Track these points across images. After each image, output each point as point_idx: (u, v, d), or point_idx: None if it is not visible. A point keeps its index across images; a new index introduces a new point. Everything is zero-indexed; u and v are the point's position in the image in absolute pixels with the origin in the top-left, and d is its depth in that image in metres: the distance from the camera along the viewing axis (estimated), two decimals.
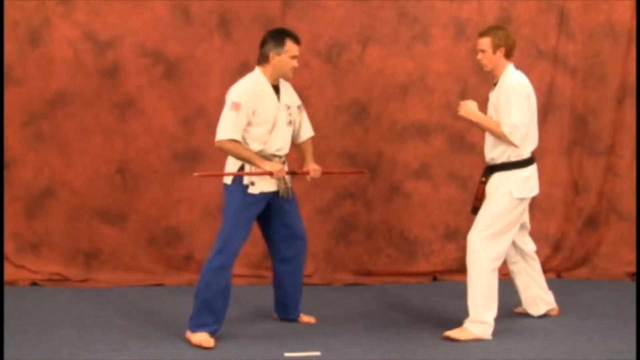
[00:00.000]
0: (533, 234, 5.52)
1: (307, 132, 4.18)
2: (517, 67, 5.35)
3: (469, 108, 3.99)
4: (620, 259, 5.52)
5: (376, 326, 4.28)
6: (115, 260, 5.17)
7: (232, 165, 3.92)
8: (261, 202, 3.95)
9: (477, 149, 5.38)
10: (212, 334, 3.84)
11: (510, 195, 4.01)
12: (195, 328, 3.85)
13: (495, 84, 4.08)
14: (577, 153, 5.54)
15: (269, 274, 5.24)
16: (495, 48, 3.98)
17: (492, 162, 4.07)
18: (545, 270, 5.49)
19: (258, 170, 3.81)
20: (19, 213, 5.08)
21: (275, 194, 3.98)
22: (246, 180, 3.87)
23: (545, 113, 5.45)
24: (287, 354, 3.76)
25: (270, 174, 3.82)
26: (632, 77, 5.43)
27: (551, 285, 5.30)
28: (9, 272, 4.98)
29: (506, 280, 5.39)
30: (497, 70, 4.05)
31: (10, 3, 4.90)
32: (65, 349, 3.78)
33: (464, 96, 5.33)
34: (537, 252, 5.53)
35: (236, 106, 3.75)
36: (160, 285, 5.11)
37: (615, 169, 5.56)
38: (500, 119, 3.93)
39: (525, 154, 4.04)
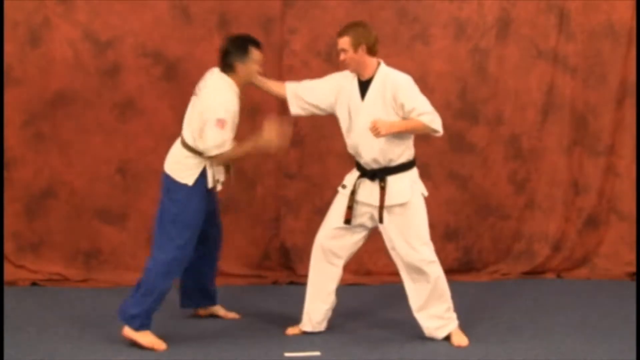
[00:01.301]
0: (533, 234, 5.56)
1: None
2: (517, 67, 5.40)
3: (384, 124, 3.72)
4: (620, 259, 5.53)
5: (376, 326, 4.28)
6: (115, 260, 5.17)
7: (187, 166, 3.84)
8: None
9: (477, 149, 5.40)
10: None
11: (422, 196, 3.96)
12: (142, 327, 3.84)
13: (366, 83, 3.87)
14: (577, 153, 5.54)
15: (269, 274, 5.28)
16: (356, 46, 3.83)
17: (388, 164, 3.86)
18: (545, 271, 5.54)
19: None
20: (19, 213, 5.08)
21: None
22: (211, 182, 3.85)
23: (545, 113, 5.45)
24: (287, 354, 3.76)
25: (266, 147, 3.83)
26: (632, 77, 5.43)
27: (551, 285, 5.33)
28: (9, 272, 4.98)
29: (505, 281, 5.41)
30: (365, 70, 3.87)
31: (10, 3, 4.90)
32: (65, 349, 3.78)
33: (464, 96, 5.34)
34: (538, 252, 5.57)
35: (222, 123, 3.72)
36: None
37: (615, 169, 5.56)
38: (414, 112, 3.76)
39: (413, 152, 3.93)
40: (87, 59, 5.04)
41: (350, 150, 3.98)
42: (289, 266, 5.34)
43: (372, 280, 5.24)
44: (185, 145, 3.85)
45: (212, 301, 4.35)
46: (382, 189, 3.83)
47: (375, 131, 3.70)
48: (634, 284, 5.24)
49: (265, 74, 5.15)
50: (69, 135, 5.08)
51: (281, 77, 5.19)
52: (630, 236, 5.48)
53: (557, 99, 5.44)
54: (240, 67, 3.83)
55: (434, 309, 3.92)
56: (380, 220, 3.88)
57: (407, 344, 3.93)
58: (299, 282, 5.21)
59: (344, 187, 4.02)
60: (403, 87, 3.80)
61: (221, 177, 3.95)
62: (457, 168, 5.39)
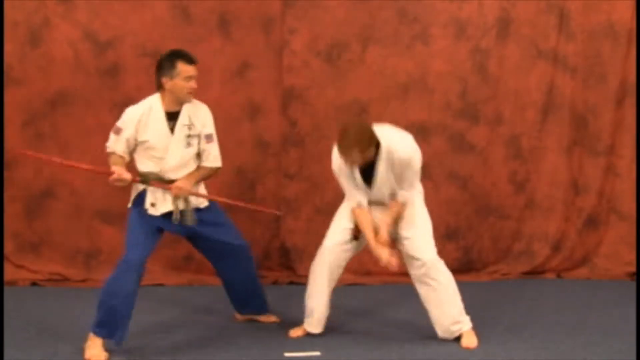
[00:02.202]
0: (533, 234, 5.56)
1: (211, 164, 3.94)
2: (517, 67, 5.40)
3: (383, 244, 3.85)
4: (620, 259, 5.53)
5: (376, 326, 4.28)
6: (115, 260, 5.11)
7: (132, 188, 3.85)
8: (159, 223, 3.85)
9: (477, 149, 5.40)
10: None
11: (423, 201, 4.01)
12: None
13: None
14: (577, 153, 5.54)
15: (269, 274, 5.28)
16: (365, 151, 3.66)
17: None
18: (545, 271, 5.54)
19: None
20: (19, 213, 5.09)
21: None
22: (147, 204, 3.79)
23: (545, 113, 5.45)
24: (287, 354, 3.76)
25: (112, 173, 3.73)
26: (632, 77, 5.43)
27: (551, 285, 5.33)
28: (9, 272, 4.98)
29: (505, 280, 5.41)
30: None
31: (10, 3, 4.90)
32: (65, 349, 3.78)
33: (464, 96, 5.34)
34: (538, 252, 5.57)
35: (117, 130, 3.80)
36: (160, 285, 5.10)
37: (615, 169, 5.56)
38: (398, 186, 3.86)
39: None
40: (87, 59, 5.04)
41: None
42: (289, 266, 5.34)
43: (372, 280, 5.24)
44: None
45: (256, 310, 4.32)
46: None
47: (387, 260, 3.82)
48: (634, 284, 5.24)
49: (264, 74, 5.19)
50: (69, 135, 5.09)
51: (281, 77, 5.21)
52: (630, 236, 5.48)
53: (557, 99, 5.44)
54: (168, 83, 3.69)
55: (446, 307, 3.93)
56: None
57: (407, 344, 3.93)
58: (299, 282, 5.21)
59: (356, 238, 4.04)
60: (408, 158, 3.76)
61: (161, 204, 3.81)
62: (457, 168, 5.39)
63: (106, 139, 5.07)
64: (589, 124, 5.51)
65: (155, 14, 5.06)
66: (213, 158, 3.92)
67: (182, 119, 3.78)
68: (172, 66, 3.68)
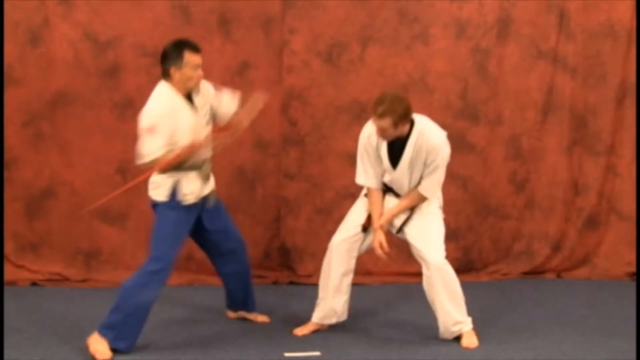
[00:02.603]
0: (533, 234, 5.56)
1: (230, 107, 3.91)
2: (517, 67, 5.40)
3: (380, 233, 3.94)
4: (620, 259, 5.53)
5: (376, 326, 4.28)
6: (115, 260, 5.17)
7: (161, 183, 3.79)
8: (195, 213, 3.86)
9: (477, 149, 5.39)
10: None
11: (440, 208, 4.03)
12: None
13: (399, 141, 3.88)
14: (577, 153, 5.54)
15: (269, 274, 5.28)
16: (397, 124, 3.74)
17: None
18: (545, 271, 5.54)
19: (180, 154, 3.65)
20: (19, 213, 5.09)
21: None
22: (180, 195, 3.77)
23: (545, 113, 5.45)
24: (287, 354, 3.76)
25: (195, 147, 3.63)
26: (632, 77, 5.43)
27: (551, 285, 5.33)
28: (9, 272, 4.98)
29: (505, 280, 5.41)
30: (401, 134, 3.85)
31: (10, 3, 4.90)
32: (65, 349, 3.78)
33: (464, 96, 5.34)
34: (538, 252, 5.57)
35: (152, 129, 3.67)
36: None
37: (615, 169, 5.56)
38: (430, 177, 3.90)
39: None
40: (87, 59, 5.04)
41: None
42: (289, 266, 5.34)
43: (373, 280, 5.24)
44: None
45: (248, 308, 4.34)
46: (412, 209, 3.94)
47: (381, 250, 3.90)
48: (634, 284, 5.24)
49: (264, 74, 5.19)
50: (69, 135, 5.08)
51: (281, 77, 5.20)
52: (630, 236, 5.48)
53: (557, 99, 5.44)
54: (175, 73, 3.68)
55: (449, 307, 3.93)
56: (399, 230, 3.96)
57: (407, 344, 3.93)
58: (299, 282, 5.22)
59: (367, 196, 4.05)
60: (437, 149, 3.81)
61: (197, 189, 3.82)
62: (457, 168, 5.37)
63: (106, 138, 5.11)
64: (589, 124, 5.51)
65: (155, 14, 5.05)
66: (228, 98, 3.92)
67: (197, 101, 3.80)
68: (179, 56, 3.65)
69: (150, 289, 3.71)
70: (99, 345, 3.67)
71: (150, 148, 3.66)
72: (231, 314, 4.37)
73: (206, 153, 3.85)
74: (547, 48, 5.39)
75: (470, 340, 3.92)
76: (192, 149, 3.65)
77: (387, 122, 3.71)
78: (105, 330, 3.69)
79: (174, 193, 3.77)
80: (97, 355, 3.65)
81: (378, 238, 3.93)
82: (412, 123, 3.83)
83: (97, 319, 4.24)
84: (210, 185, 3.93)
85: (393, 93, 3.89)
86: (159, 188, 3.82)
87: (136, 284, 3.70)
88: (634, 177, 5.46)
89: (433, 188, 3.91)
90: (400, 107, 3.72)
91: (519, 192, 5.50)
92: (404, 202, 3.94)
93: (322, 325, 4.12)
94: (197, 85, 3.77)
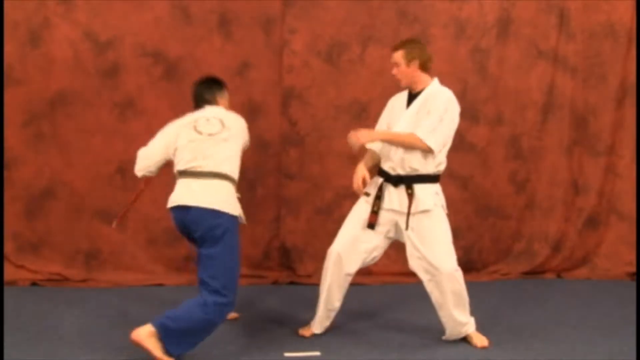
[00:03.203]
0: (533, 234, 5.56)
1: None
2: (517, 67, 5.40)
3: (364, 133, 3.79)
4: (620, 259, 5.53)
5: (376, 326, 4.28)
6: (115, 260, 5.17)
7: (230, 192, 3.73)
8: None
9: (477, 149, 5.40)
10: None
11: (443, 210, 3.91)
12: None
13: (415, 95, 3.90)
14: (577, 153, 5.54)
15: (269, 274, 5.28)
16: (409, 61, 3.84)
17: (412, 173, 3.83)
18: (545, 271, 5.54)
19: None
20: (19, 213, 5.09)
21: None
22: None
23: (546, 113, 5.46)
24: (287, 354, 3.76)
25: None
26: (632, 77, 5.44)
27: (551, 285, 5.33)
28: (9, 272, 4.98)
29: (505, 280, 5.41)
30: (416, 84, 3.90)
31: (10, 3, 4.90)
32: (65, 349, 3.78)
33: (464, 96, 5.34)
34: (538, 252, 5.57)
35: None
36: (160, 285, 5.11)
37: (615, 169, 5.56)
38: (419, 125, 3.77)
39: (443, 167, 3.92)
40: (87, 59, 5.04)
41: (382, 154, 3.97)
42: (289, 266, 5.34)
43: (373, 281, 5.24)
44: (230, 180, 3.74)
45: None
46: (410, 196, 3.83)
47: (355, 138, 3.74)
48: (634, 284, 5.24)
49: (264, 74, 5.19)
50: (69, 135, 5.08)
51: (281, 77, 5.20)
52: (630, 236, 5.49)
53: (557, 99, 5.44)
54: (221, 101, 3.99)
55: (455, 313, 3.92)
56: (407, 226, 3.85)
57: (407, 344, 3.93)
58: (299, 282, 5.22)
59: (367, 194, 3.99)
60: (441, 102, 3.82)
61: None
62: (457, 168, 5.38)
63: (106, 138, 5.12)
64: (589, 124, 5.51)
65: (155, 14, 5.05)
66: None
67: None
68: (222, 89, 4.03)
69: (219, 321, 3.63)
70: (142, 331, 3.51)
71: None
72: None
73: None
74: (547, 48, 5.39)
75: (481, 340, 3.92)
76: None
77: (399, 55, 3.82)
78: (163, 331, 3.52)
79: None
80: (156, 353, 3.49)
81: (357, 176, 3.86)
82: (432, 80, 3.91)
83: (97, 319, 4.26)
84: None
85: (417, 39, 4.03)
86: (236, 203, 3.73)
87: (210, 316, 3.56)
88: (634, 177, 5.47)
89: (426, 130, 3.74)
90: (417, 46, 3.86)
91: (519, 192, 5.51)
92: (396, 133, 3.82)
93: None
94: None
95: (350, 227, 4.00)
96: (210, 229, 3.58)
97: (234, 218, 3.67)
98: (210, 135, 3.75)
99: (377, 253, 4.02)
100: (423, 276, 3.89)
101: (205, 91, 3.97)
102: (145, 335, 3.47)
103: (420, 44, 3.96)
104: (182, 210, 3.67)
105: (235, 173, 3.76)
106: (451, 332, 3.96)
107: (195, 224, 3.62)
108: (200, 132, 3.76)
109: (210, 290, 3.55)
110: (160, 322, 3.50)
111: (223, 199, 3.66)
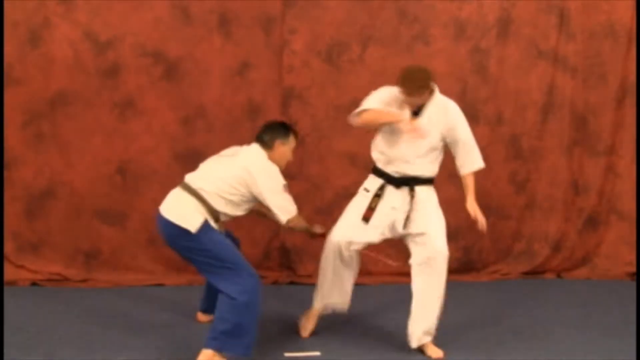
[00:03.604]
0: (533, 234, 5.56)
1: None
2: (517, 67, 5.40)
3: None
4: (620, 259, 5.53)
5: (376, 326, 4.28)
6: (115, 260, 5.17)
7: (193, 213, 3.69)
8: None
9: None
10: None
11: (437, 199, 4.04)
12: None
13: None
14: (577, 153, 5.54)
15: (269, 274, 5.27)
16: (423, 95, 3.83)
17: (419, 176, 3.96)
18: (545, 271, 5.54)
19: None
20: (19, 213, 5.08)
21: None
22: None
23: (546, 113, 5.46)
24: (287, 354, 3.76)
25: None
26: (632, 77, 5.44)
27: (551, 285, 5.33)
28: (9, 272, 4.98)
29: (505, 281, 5.41)
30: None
31: (10, 3, 4.90)
32: (65, 349, 3.78)
33: (464, 96, 5.35)
34: (538, 252, 5.57)
35: (286, 188, 3.82)
36: (160, 285, 5.11)
37: (615, 169, 5.56)
38: (462, 141, 3.94)
39: None
40: (87, 59, 5.04)
41: (391, 157, 3.97)
42: (289, 266, 5.34)
43: (373, 281, 5.24)
44: (194, 194, 3.75)
45: None
46: (412, 197, 3.91)
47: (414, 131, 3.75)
48: (634, 284, 5.25)
49: (264, 74, 5.19)
50: (69, 135, 5.08)
51: (281, 77, 5.20)
52: (630, 236, 5.49)
53: (557, 99, 5.44)
54: (279, 146, 3.89)
55: (427, 315, 3.89)
56: (405, 226, 3.90)
57: (407, 345, 3.93)
58: (299, 282, 5.22)
59: (366, 190, 4.03)
60: (455, 113, 3.92)
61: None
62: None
63: (106, 138, 5.12)
64: (589, 124, 5.51)
65: (155, 14, 5.05)
66: None
67: None
68: (287, 135, 3.92)
69: (258, 297, 3.65)
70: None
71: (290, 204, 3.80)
72: (203, 318, 4.30)
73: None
74: (547, 48, 5.39)
75: (436, 352, 3.85)
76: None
77: (416, 99, 3.80)
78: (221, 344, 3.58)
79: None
80: None
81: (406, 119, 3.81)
82: (432, 91, 3.88)
83: (97, 319, 4.26)
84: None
85: (417, 67, 3.88)
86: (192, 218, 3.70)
87: (249, 298, 3.59)
88: (634, 177, 5.47)
89: (479, 157, 4.00)
90: (428, 84, 3.80)
91: (519, 192, 5.51)
92: (470, 187, 4.07)
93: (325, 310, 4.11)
94: (283, 166, 3.92)
95: (349, 218, 4.02)
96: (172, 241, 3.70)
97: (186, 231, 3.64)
98: (219, 155, 3.92)
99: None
100: (419, 257, 3.86)
101: (264, 131, 3.92)
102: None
103: (428, 77, 3.81)
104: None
105: (212, 194, 3.71)
106: (414, 332, 3.87)
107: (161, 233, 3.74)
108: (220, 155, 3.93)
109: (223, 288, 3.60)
110: (210, 338, 3.57)
111: (182, 212, 3.69)
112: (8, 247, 5.07)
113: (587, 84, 5.47)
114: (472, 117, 5.33)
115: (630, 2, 5.38)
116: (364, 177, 5.29)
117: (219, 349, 3.57)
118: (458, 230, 5.41)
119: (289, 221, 3.81)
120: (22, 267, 5.07)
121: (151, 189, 5.17)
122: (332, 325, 4.16)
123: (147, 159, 5.14)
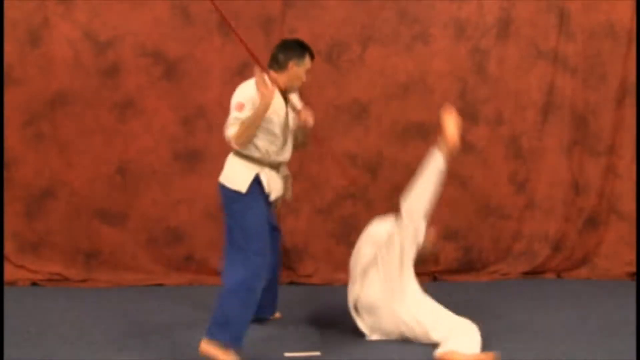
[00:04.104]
0: (533, 234, 5.56)
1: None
2: (517, 67, 5.40)
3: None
4: (620, 259, 5.53)
5: None
6: (115, 260, 5.17)
7: (242, 170, 3.68)
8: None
9: (477, 149, 5.40)
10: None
11: None
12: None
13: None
14: (577, 153, 5.54)
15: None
16: None
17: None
18: (545, 271, 5.54)
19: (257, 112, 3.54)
20: (19, 213, 5.09)
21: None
22: (267, 188, 3.72)
23: (545, 113, 5.46)
24: (287, 354, 3.75)
25: (266, 97, 3.49)
26: (632, 77, 5.44)
27: (551, 285, 5.33)
28: (9, 272, 4.98)
29: (505, 281, 5.41)
30: None
31: (10, 3, 4.91)
32: (65, 349, 3.78)
33: (464, 96, 5.35)
34: (538, 252, 5.57)
35: (240, 106, 3.64)
36: (160, 285, 5.11)
37: (615, 169, 5.56)
38: None
39: None
40: (87, 59, 5.04)
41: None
42: (289, 266, 5.34)
43: None
44: (236, 152, 3.72)
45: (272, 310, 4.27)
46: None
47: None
48: (634, 284, 5.24)
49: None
50: (69, 135, 5.09)
51: None
52: (630, 236, 5.49)
53: (557, 99, 5.44)
54: (293, 68, 3.74)
55: None
56: None
57: (408, 344, 3.93)
58: (299, 282, 5.22)
59: None
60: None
61: (278, 187, 3.82)
62: (457, 168, 5.37)
63: (106, 138, 5.12)
64: (589, 124, 5.51)
65: (155, 14, 5.06)
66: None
67: (292, 100, 3.83)
68: (302, 55, 3.75)
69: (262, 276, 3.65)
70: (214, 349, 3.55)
71: (234, 119, 3.62)
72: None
73: (283, 155, 3.82)
74: (547, 48, 5.39)
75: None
76: (264, 101, 3.51)
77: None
78: (219, 333, 3.55)
79: (255, 185, 3.68)
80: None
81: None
82: None
83: (97, 319, 4.26)
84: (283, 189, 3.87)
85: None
86: (238, 178, 3.67)
87: (248, 274, 3.57)
88: (634, 177, 5.47)
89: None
90: None
91: (519, 192, 5.51)
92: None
93: None
94: (297, 88, 3.86)
95: None
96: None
97: (228, 189, 3.66)
98: None
99: None
100: None
101: (279, 50, 3.80)
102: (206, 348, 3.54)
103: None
104: None
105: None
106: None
107: None
108: None
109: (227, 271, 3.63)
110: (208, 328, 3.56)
111: (225, 172, 3.72)
112: (8, 247, 5.07)
113: (587, 84, 5.47)
114: (472, 117, 5.36)
115: (630, 2, 5.38)
116: (364, 177, 5.33)
117: (209, 337, 3.53)
118: (458, 230, 5.42)
119: (230, 142, 3.65)
120: (22, 267, 5.08)
121: (151, 189, 5.18)
122: (332, 325, 4.16)
123: (147, 159, 5.15)
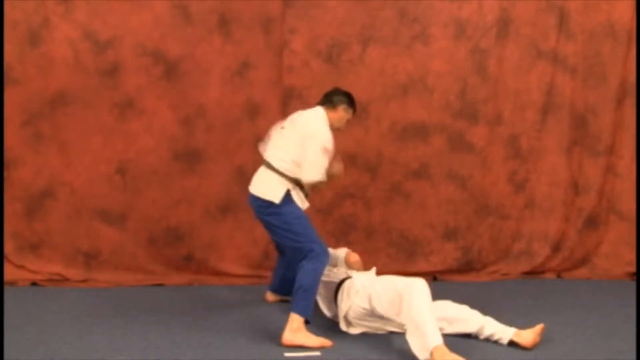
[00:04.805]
0: (533, 234, 5.56)
1: None
2: (517, 67, 5.40)
3: None
4: (620, 259, 5.53)
5: None
6: (115, 260, 5.17)
7: (277, 186, 4.06)
8: None
9: (477, 149, 5.40)
10: None
11: None
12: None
13: None
14: (577, 153, 5.54)
15: (269, 274, 5.26)
16: None
17: None
18: (545, 271, 5.54)
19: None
20: (19, 213, 5.09)
21: None
22: (299, 203, 4.11)
23: (545, 113, 5.46)
24: (287, 354, 3.76)
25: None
26: (632, 77, 5.44)
27: (551, 285, 5.33)
28: (9, 272, 4.98)
29: (505, 281, 5.41)
30: None
31: (10, 3, 4.90)
32: (65, 349, 3.78)
33: (463, 96, 5.35)
34: (538, 252, 5.57)
35: (327, 151, 4.07)
36: (160, 285, 5.11)
37: (615, 169, 5.56)
38: None
39: None
40: (87, 59, 5.04)
41: None
42: None
43: None
44: (273, 169, 4.10)
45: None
46: None
47: None
48: (634, 284, 5.24)
49: (264, 74, 5.20)
50: (69, 135, 5.08)
51: (281, 76, 5.20)
52: (630, 236, 5.49)
53: (557, 99, 5.44)
54: (341, 111, 4.22)
55: None
56: None
57: (407, 344, 3.92)
58: None
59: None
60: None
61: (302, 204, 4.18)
62: (457, 168, 5.39)
63: (106, 138, 5.12)
64: (589, 124, 5.51)
65: (155, 14, 5.05)
66: None
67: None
68: (351, 105, 4.27)
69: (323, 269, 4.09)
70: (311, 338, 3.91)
71: (322, 167, 4.06)
72: (271, 297, 4.67)
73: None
74: (547, 48, 5.39)
75: None
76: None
77: None
78: (306, 312, 3.95)
79: (289, 197, 4.08)
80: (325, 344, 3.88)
81: None
82: None
83: (97, 319, 4.26)
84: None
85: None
86: (275, 191, 4.08)
87: (316, 268, 4.01)
88: (634, 177, 5.47)
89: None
90: None
91: (518, 192, 5.51)
92: None
93: None
94: (334, 130, 4.21)
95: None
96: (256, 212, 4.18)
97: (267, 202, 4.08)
98: (282, 128, 4.22)
99: None
100: None
101: (333, 93, 4.26)
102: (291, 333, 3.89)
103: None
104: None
105: (282, 162, 4.07)
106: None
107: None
108: (282, 127, 4.24)
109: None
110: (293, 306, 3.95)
111: (264, 187, 4.13)
112: (8, 247, 5.07)
113: (587, 84, 5.47)
114: (472, 117, 5.36)
115: (630, 2, 5.38)
116: (364, 177, 5.33)
117: (293, 310, 3.92)
118: (458, 230, 5.42)
119: (307, 183, 4.07)
120: (22, 267, 5.07)
121: (151, 189, 5.18)
122: (332, 325, 4.16)
123: (147, 159, 5.14)
